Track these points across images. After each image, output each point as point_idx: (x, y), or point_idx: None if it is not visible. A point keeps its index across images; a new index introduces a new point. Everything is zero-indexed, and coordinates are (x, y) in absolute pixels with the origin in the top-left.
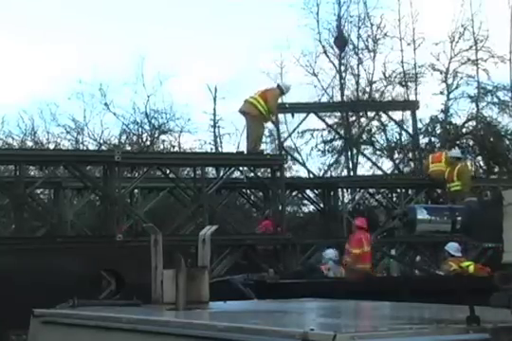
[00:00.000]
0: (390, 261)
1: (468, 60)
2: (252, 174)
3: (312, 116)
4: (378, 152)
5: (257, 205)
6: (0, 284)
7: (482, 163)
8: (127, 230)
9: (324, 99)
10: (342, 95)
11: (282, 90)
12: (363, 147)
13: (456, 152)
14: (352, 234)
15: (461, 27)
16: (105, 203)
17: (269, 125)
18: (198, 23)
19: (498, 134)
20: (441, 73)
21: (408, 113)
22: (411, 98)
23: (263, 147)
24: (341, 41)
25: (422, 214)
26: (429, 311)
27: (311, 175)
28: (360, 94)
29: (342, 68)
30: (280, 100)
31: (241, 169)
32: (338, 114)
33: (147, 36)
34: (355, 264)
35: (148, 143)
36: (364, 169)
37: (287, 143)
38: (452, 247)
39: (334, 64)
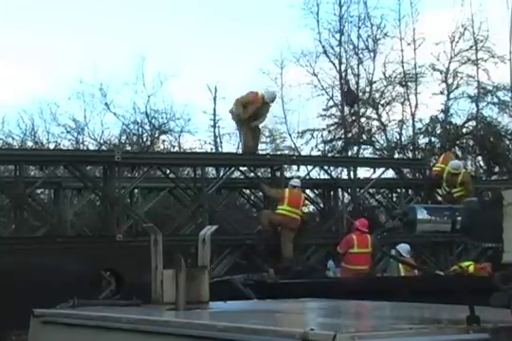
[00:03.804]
0: (390, 262)
1: (468, 60)
2: (252, 174)
3: (313, 115)
4: (378, 152)
5: (257, 205)
6: (0, 284)
7: (482, 163)
8: (127, 230)
9: (324, 99)
10: (342, 95)
11: (263, 98)
12: (363, 147)
13: (457, 165)
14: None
15: (461, 27)
16: (105, 203)
17: (269, 125)
18: (198, 23)
19: (498, 134)
20: (441, 73)
21: (408, 113)
22: (412, 98)
23: (262, 147)
24: (350, 96)
25: (422, 214)
26: (429, 311)
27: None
28: (360, 94)
29: (343, 68)
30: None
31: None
32: (338, 113)
33: (147, 36)
34: (346, 264)
35: (148, 143)
36: (364, 169)
37: (287, 143)
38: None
39: (334, 64)
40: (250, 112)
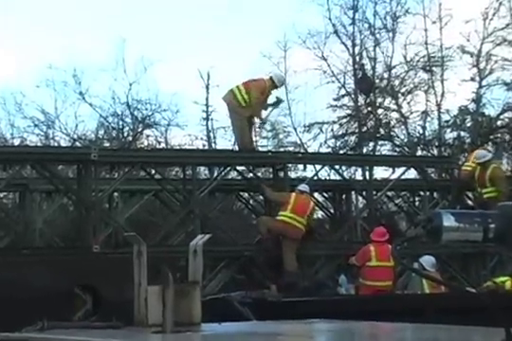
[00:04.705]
0: (411, 277)
1: (504, 40)
2: (251, 175)
3: (322, 106)
4: (398, 149)
5: (257, 210)
6: None
7: None
8: (105, 240)
9: (334, 88)
10: (356, 82)
11: (274, 82)
12: (380, 143)
13: (482, 154)
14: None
15: (495, 2)
16: (80, 208)
17: (271, 117)
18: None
19: None
20: (472, 56)
21: (433, 103)
22: (437, 85)
23: (263, 143)
24: (366, 83)
25: (449, 221)
26: (458, 333)
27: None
28: (377, 81)
29: (356, 50)
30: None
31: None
32: (351, 104)
33: (129, 15)
34: (363, 280)
35: (130, 138)
36: (381, 168)
37: (292, 138)
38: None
39: (346, 46)
40: (264, 102)
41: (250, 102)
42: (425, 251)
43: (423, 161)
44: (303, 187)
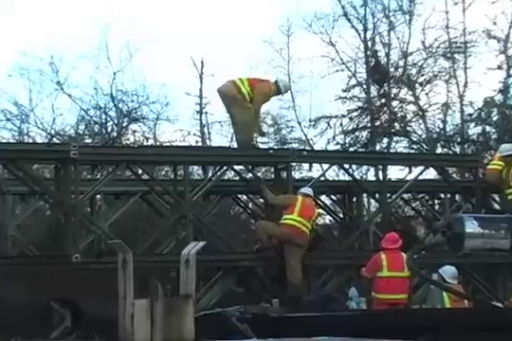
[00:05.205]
0: (430, 289)
1: None
2: (250, 175)
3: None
4: (415, 146)
5: (256, 214)
6: None
7: None
8: (87, 249)
9: (344, 77)
10: (368, 71)
11: (278, 88)
12: (395, 139)
13: (508, 147)
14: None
15: None
16: (58, 212)
17: (272, 110)
18: None
19: None
20: (499, 41)
21: (455, 94)
22: (459, 74)
23: (264, 139)
24: (379, 72)
25: (472, 227)
26: None
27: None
28: (392, 69)
29: (368, 35)
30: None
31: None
32: (363, 95)
33: None
34: (375, 293)
35: (114, 134)
36: (397, 168)
37: (296, 134)
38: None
39: (357, 31)
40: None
41: (252, 101)
42: (445, 261)
43: (443, 160)
44: (308, 190)
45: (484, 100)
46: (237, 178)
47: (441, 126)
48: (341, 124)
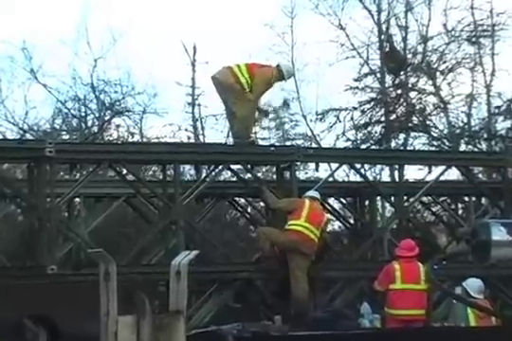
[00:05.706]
0: (453, 305)
1: None
2: (249, 175)
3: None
4: (436, 143)
5: (256, 220)
6: None
7: None
8: (64, 259)
9: (355, 65)
10: (382, 57)
11: (281, 74)
12: (413, 134)
13: None
14: None
15: None
16: (31, 218)
17: (274, 102)
18: None
19: None
20: None
21: (481, 84)
22: (486, 61)
23: (264, 135)
24: (395, 59)
25: (499, 234)
26: None
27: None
28: (409, 56)
29: (383, 17)
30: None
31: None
32: (377, 85)
33: None
34: (388, 308)
35: (95, 129)
36: (415, 167)
37: (301, 129)
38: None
39: (370, 12)
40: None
41: (251, 89)
42: (470, 272)
43: (468, 158)
44: (315, 193)
45: None
46: (234, 179)
47: (465, 120)
48: (352, 118)
